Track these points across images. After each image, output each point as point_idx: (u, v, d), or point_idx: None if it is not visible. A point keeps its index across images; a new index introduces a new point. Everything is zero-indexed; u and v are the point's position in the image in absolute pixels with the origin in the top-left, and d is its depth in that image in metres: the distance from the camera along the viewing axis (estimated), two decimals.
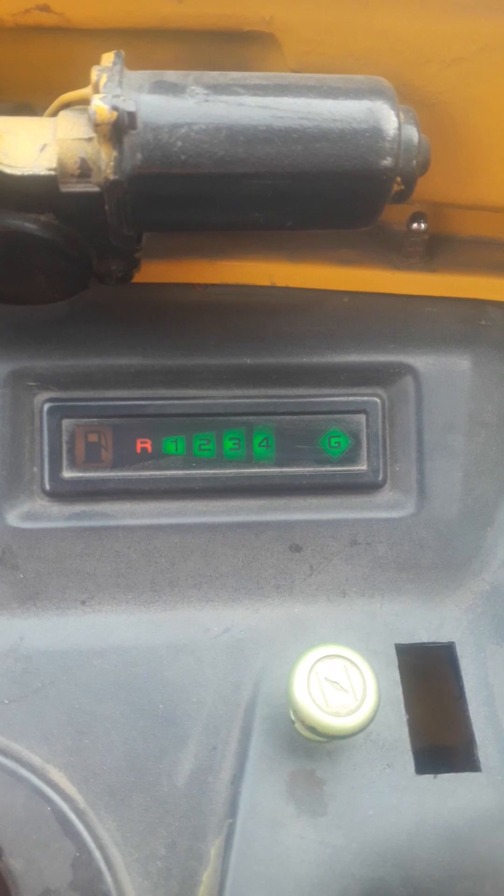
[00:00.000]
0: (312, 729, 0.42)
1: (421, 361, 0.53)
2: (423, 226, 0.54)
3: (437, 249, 0.56)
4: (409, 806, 0.45)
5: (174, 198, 0.40)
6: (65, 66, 0.42)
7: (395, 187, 0.42)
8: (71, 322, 0.52)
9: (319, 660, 0.44)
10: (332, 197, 0.41)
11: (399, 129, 0.40)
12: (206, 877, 0.43)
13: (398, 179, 0.41)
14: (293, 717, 0.45)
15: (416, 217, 0.54)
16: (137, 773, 0.45)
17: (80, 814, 0.43)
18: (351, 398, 0.53)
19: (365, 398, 0.53)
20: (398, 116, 0.40)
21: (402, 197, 0.43)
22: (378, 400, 0.53)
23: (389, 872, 0.43)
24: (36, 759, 0.45)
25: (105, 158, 0.38)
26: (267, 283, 0.55)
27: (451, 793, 0.45)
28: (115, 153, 0.38)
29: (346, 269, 0.55)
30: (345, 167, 0.40)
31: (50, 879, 0.42)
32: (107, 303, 0.53)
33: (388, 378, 0.53)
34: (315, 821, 0.44)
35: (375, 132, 0.39)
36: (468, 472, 0.52)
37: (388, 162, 0.40)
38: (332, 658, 0.44)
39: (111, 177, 0.38)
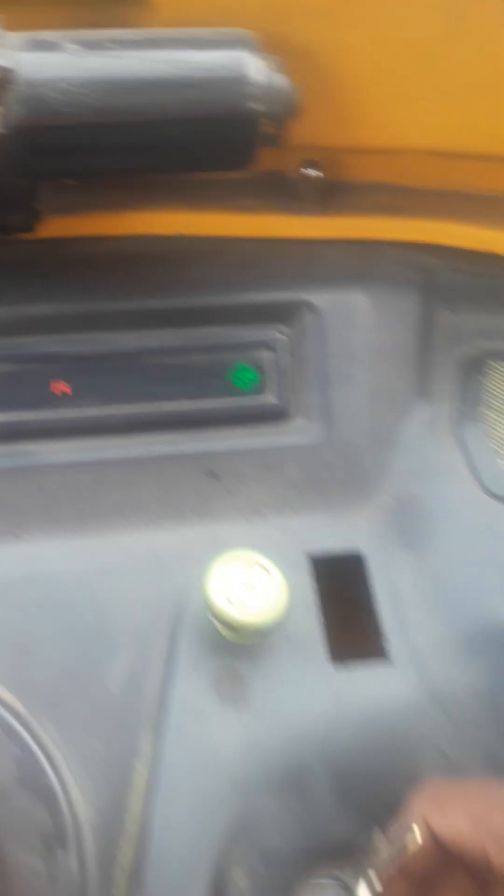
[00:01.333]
0: (229, 626, 0.47)
1: (321, 298, 0.57)
2: (314, 172, 0.59)
3: (332, 195, 0.61)
4: (325, 694, 0.49)
5: (59, 147, 0.44)
6: None
7: (265, 130, 0.46)
8: None
9: (231, 564, 0.48)
10: (207, 141, 0.45)
11: (262, 74, 0.44)
12: (141, 765, 0.47)
13: (266, 122, 0.45)
14: (215, 622, 0.50)
15: (308, 163, 0.59)
16: (74, 682, 0.49)
17: (21, 720, 0.47)
18: (257, 335, 0.57)
19: (270, 334, 0.57)
20: (260, 63, 0.44)
21: (275, 140, 0.47)
22: (283, 336, 0.57)
23: (307, 752, 0.48)
24: None
25: None
26: (172, 232, 0.59)
27: (362, 680, 0.50)
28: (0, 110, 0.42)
29: (247, 217, 0.59)
30: (214, 112, 0.44)
31: None
32: (17, 259, 0.56)
33: (291, 315, 0.57)
34: (238, 711, 0.49)
35: (239, 78, 0.43)
36: (369, 398, 0.57)
37: (253, 105, 0.44)
38: (242, 562, 0.48)
39: None
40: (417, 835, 0.39)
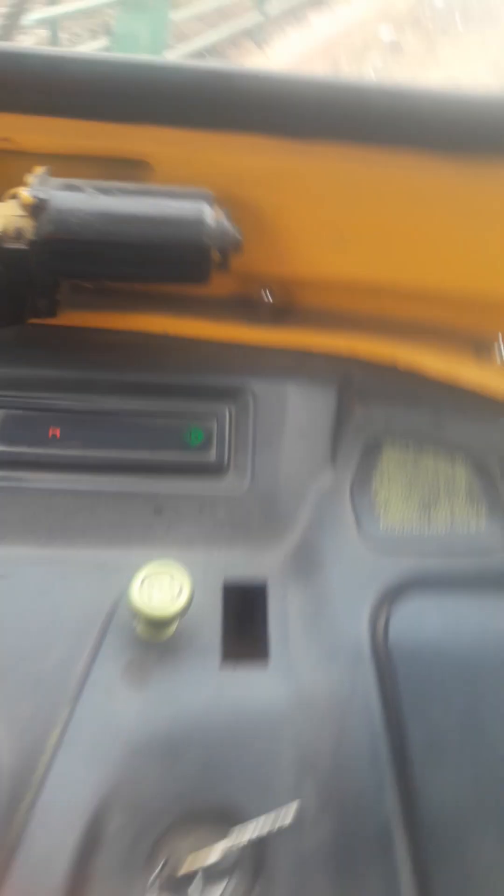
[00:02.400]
0: (140, 617, 0.60)
1: (260, 387, 0.74)
2: (269, 297, 0.78)
3: (281, 315, 0.79)
4: (211, 686, 0.60)
5: (73, 255, 0.63)
6: (15, 174, 0.67)
7: (215, 257, 0.65)
8: (9, 345, 0.75)
9: (152, 572, 0.61)
10: (174, 261, 0.65)
11: (214, 220, 0.63)
12: (55, 731, 0.58)
13: (215, 252, 0.64)
14: (134, 621, 0.62)
15: (264, 290, 0.78)
16: (17, 659, 0.61)
17: None
18: (208, 407, 0.73)
19: (218, 408, 0.74)
20: (214, 213, 0.64)
21: (223, 265, 0.66)
22: (227, 410, 0.73)
23: (188, 729, 0.58)
24: None
25: (29, 228, 0.62)
26: (161, 331, 0.78)
27: (244, 678, 0.61)
28: (34, 224, 0.62)
29: (216, 325, 0.78)
30: (180, 241, 0.63)
31: None
32: (38, 337, 0.76)
33: (235, 395, 0.74)
34: (139, 693, 0.60)
35: (198, 220, 0.63)
36: (288, 462, 0.72)
37: (206, 240, 0.63)
38: (160, 570, 0.62)
39: (32, 238, 0.62)
40: None
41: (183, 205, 0.63)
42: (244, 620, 0.66)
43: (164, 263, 0.65)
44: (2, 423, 0.72)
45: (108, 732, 0.58)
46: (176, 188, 0.65)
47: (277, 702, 0.60)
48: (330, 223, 0.70)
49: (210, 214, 0.63)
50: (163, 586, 0.61)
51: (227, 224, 0.64)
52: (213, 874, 0.53)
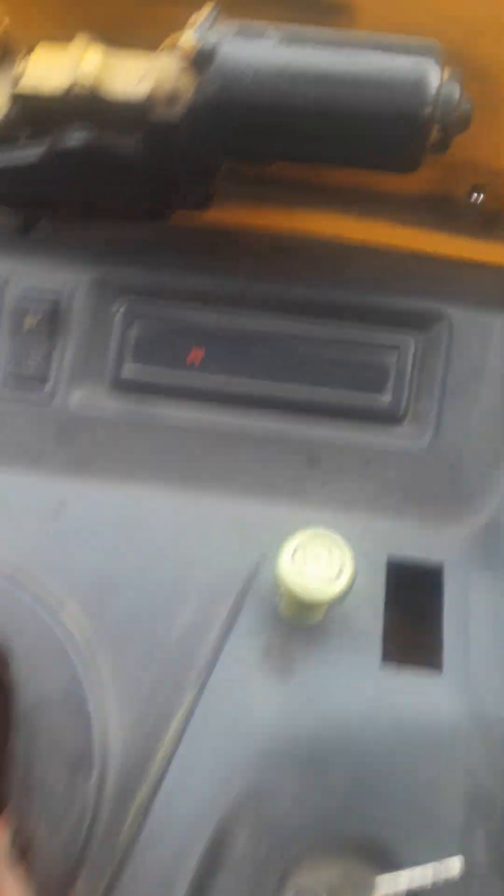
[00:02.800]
0: (290, 593, 0.48)
1: (457, 313, 0.58)
2: (480, 197, 0.60)
3: (494, 223, 0.61)
4: (368, 689, 0.49)
5: (242, 124, 0.48)
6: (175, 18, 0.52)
7: (435, 136, 0.48)
8: (152, 245, 0.61)
9: (308, 538, 0.49)
10: (378, 138, 0.48)
11: (440, 84, 0.46)
12: (177, 719, 0.49)
13: (437, 128, 0.47)
14: (278, 597, 0.51)
15: (475, 188, 0.60)
16: (140, 623, 0.52)
17: (82, 647, 0.51)
18: (387, 338, 0.58)
19: (399, 340, 0.58)
20: (441, 74, 0.46)
21: (442, 147, 0.49)
22: (411, 340, 0.58)
23: (337, 739, 0.48)
24: (59, 592, 0.54)
25: (189, 86, 0.47)
26: (334, 235, 0.63)
27: (410, 685, 0.49)
28: (197, 81, 0.47)
29: (406, 230, 0.62)
30: (389, 111, 0.46)
31: (45, 692, 0.50)
32: (187, 235, 0.62)
33: (424, 323, 0.58)
34: (280, 685, 0.49)
35: (418, 83, 0.46)
36: (485, 417, 0.56)
37: (427, 110, 0.46)
38: (319, 537, 0.49)
39: (191, 102, 0.47)
40: None
41: (399, 61, 0.46)
42: (412, 611, 0.54)
43: (363, 142, 0.48)
44: (136, 340, 0.60)
45: (242, 727, 0.48)
46: (389, 38, 0.47)
47: (450, 721, 0.48)
48: None
49: (436, 75, 0.46)
50: (319, 561, 0.49)
51: (456, 90, 0.47)
52: None
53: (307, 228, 0.63)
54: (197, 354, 0.60)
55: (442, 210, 0.62)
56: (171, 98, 0.48)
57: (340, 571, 0.48)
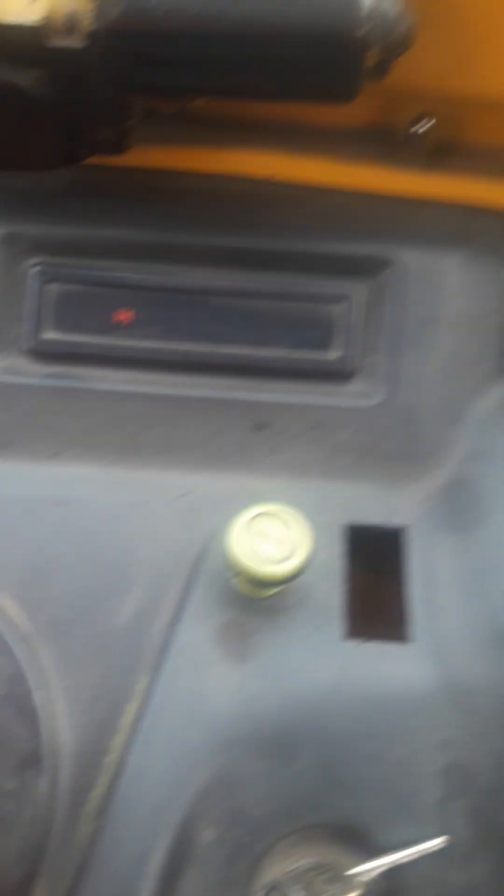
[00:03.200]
0: (243, 575, 0.45)
1: (407, 256, 0.53)
2: (424, 127, 0.55)
3: (440, 154, 0.57)
4: (332, 665, 0.47)
5: (152, 54, 0.42)
6: None
7: (372, 59, 0.43)
8: (67, 194, 0.55)
9: (258, 515, 0.46)
10: (307, 63, 0.43)
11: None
12: (131, 707, 0.46)
13: (374, 50, 0.42)
14: (231, 572, 0.48)
15: (419, 117, 0.55)
16: (82, 610, 0.49)
17: (22, 638, 0.47)
18: (331, 286, 0.54)
19: (345, 287, 0.54)
20: None
21: (380, 71, 0.44)
22: (358, 291, 0.54)
23: (303, 720, 0.45)
24: None
25: (87, 12, 0.41)
26: (266, 175, 0.57)
27: (375, 659, 0.47)
28: (95, 6, 0.41)
29: (345, 166, 0.57)
30: (317, 32, 0.41)
31: None
32: (103, 181, 0.56)
33: (371, 270, 0.54)
34: (239, 666, 0.47)
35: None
36: (441, 367, 0.53)
37: (362, 29, 0.41)
38: (270, 514, 0.46)
39: (90, 29, 0.41)
40: None
41: None
42: (375, 579, 0.51)
43: (291, 68, 0.43)
44: (56, 302, 0.54)
45: (200, 714, 0.46)
46: None
47: (421, 693, 0.46)
48: None
49: None
50: (272, 538, 0.45)
51: (394, 4, 0.41)
52: None
53: (237, 170, 0.58)
54: (125, 315, 0.55)
55: (385, 143, 0.57)
56: (69, 23, 0.42)
57: (296, 547, 0.45)
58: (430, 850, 0.42)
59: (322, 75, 0.43)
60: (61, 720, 0.46)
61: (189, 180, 0.57)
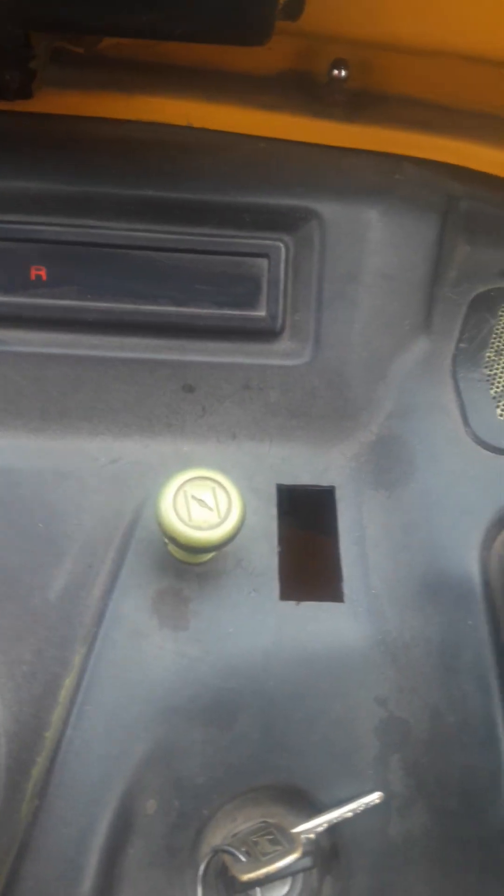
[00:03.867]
0: (175, 541, 0.44)
1: (329, 208, 0.52)
2: (343, 73, 0.53)
3: (360, 104, 0.55)
4: (270, 627, 0.46)
5: None
6: None
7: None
8: None
9: (189, 480, 0.45)
10: (219, 1, 0.40)
11: None
12: (68, 681, 0.45)
13: None
14: (164, 539, 0.46)
15: (337, 63, 0.53)
16: (11, 584, 0.47)
17: None
18: (254, 241, 0.52)
19: (268, 242, 0.52)
20: None
21: (294, 11, 0.42)
22: (282, 245, 0.52)
23: (242, 684, 0.45)
24: None
25: None
26: (183, 122, 0.55)
27: (311, 619, 0.47)
28: None
29: (265, 114, 0.55)
30: None
31: None
32: (13, 130, 0.52)
33: (294, 223, 0.52)
34: (176, 634, 0.46)
35: None
36: (366, 324, 0.52)
37: None
38: (201, 480, 0.45)
39: None
40: None
41: None
42: (308, 539, 0.51)
43: (201, 6, 0.40)
44: None
45: (138, 684, 0.45)
46: None
47: (356, 649, 0.46)
48: None
49: None
50: (205, 500, 0.44)
51: None
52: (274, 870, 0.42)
53: (153, 116, 0.55)
54: (38, 273, 0.52)
55: (305, 90, 0.55)
56: None
57: (228, 511, 0.44)
58: (370, 805, 0.42)
59: (234, 14, 0.41)
60: None
61: (102, 127, 0.54)
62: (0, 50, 0.44)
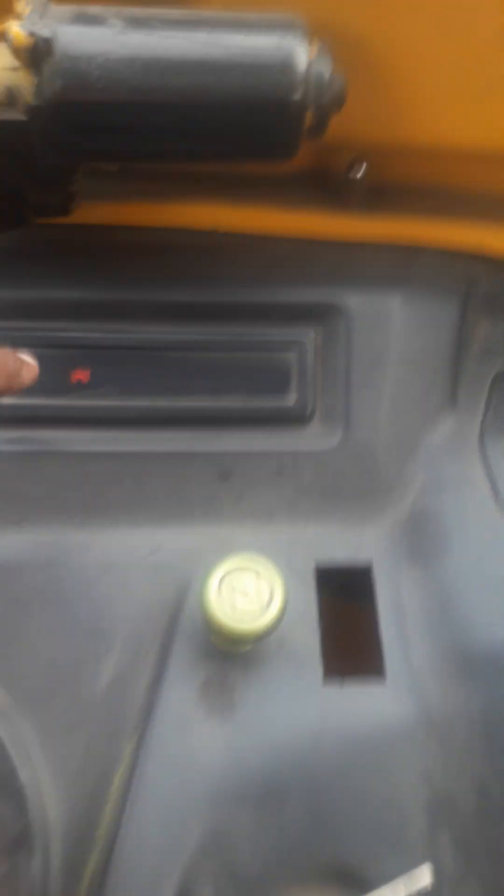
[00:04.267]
0: (220, 634, 0.45)
1: (353, 301, 0.55)
2: (360, 172, 0.56)
3: (377, 197, 0.58)
4: (314, 711, 0.47)
5: (94, 125, 0.42)
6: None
7: (308, 121, 0.44)
8: (11, 256, 0.55)
9: (231, 570, 0.46)
10: (247, 128, 0.43)
11: (309, 63, 0.42)
12: (118, 775, 0.46)
13: (310, 114, 0.43)
14: (209, 629, 0.48)
15: (354, 163, 0.56)
16: (59, 679, 0.48)
17: (0, 713, 0.46)
18: (285, 334, 0.55)
19: (298, 335, 0.55)
20: (309, 51, 0.42)
21: (317, 132, 0.45)
22: (310, 337, 0.55)
23: (288, 769, 0.46)
24: None
25: (26, 85, 0.41)
26: (210, 227, 0.58)
27: (354, 699, 0.48)
28: (35, 80, 0.41)
29: (287, 214, 0.58)
30: (256, 99, 0.42)
31: None
32: (50, 241, 0.56)
33: (321, 317, 0.55)
34: (223, 723, 0.47)
35: (285, 65, 0.41)
36: (393, 405, 0.55)
37: (297, 95, 0.42)
38: (242, 569, 0.46)
39: (32, 103, 0.41)
40: None
41: (261, 40, 0.41)
42: (347, 618, 0.52)
43: (232, 134, 0.44)
44: None
45: (189, 774, 0.46)
46: (247, 15, 0.42)
47: (400, 728, 0.47)
48: (474, 62, 0.48)
49: (304, 52, 0.41)
50: (247, 589, 0.46)
51: (327, 66, 0.42)
52: None
53: (180, 223, 0.58)
54: (82, 375, 0.55)
55: (324, 188, 0.58)
56: (10, 98, 0.42)
57: (271, 598, 0.45)
58: (421, 884, 0.43)
59: (262, 139, 0.44)
60: (48, 796, 0.45)
61: (135, 235, 0.58)
62: (41, 177, 0.48)
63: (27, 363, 0.46)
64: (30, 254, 0.55)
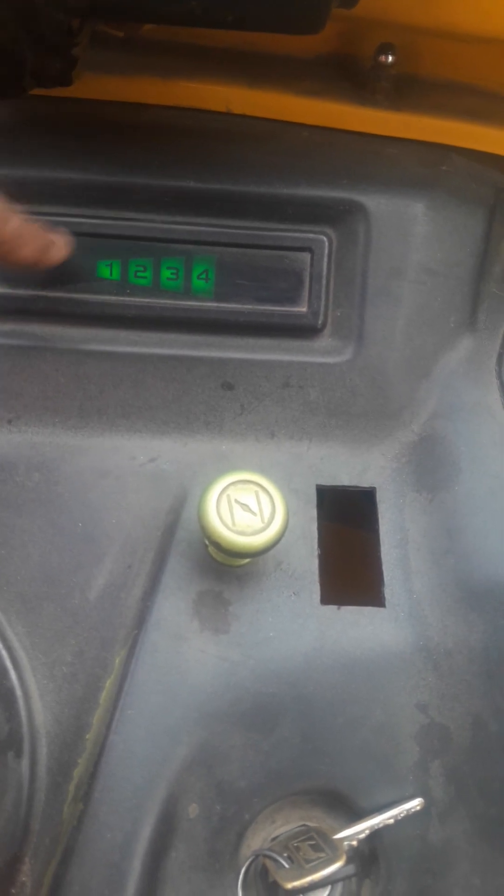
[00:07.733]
0: (218, 545, 0.43)
1: (373, 201, 0.50)
2: (390, 58, 0.51)
3: (406, 90, 0.53)
4: (310, 632, 0.46)
5: None
6: None
7: None
8: (9, 132, 0.50)
9: (232, 484, 0.44)
10: None
11: None
12: (109, 683, 0.45)
13: None
14: (206, 541, 0.46)
15: (384, 48, 0.51)
16: (51, 584, 0.46)
17: None
18: (297, 234, 0.51)
19: (311, 235, 0.51)
20: None
21: (348, 1, 0.40)
22: (325, 238, 0.51)
23: (282, 689, 0.45)
24: None
25: None
26: (223, 108, 0.53)
27: (352, 624, 0.46)
28: None
29: (308, 101, 0.53)
30: None
31: None
32: (50, 115, 0.51)
33: (338, 216, 0.51)
34: (217, 637, 0.45)
35: None
36: (410, 321, 0.51)
37: None
38: (244, 483, 0.44)
39: None
40: None
41: None
42: (349, 541, 0.50)
43: None
44: None
45: (180, 688, 0.45)
46: None
47: (397, 655, 0.46)
48: None
49: None
50: (249, 503, 0.44)
51: None
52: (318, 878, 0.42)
53: (191, 102, 0.53)
54: (77, 266, 0.51)
55: (349, 75, 0.53)
56: None
57: (273, 514, 0.43)
58: (411, 811, 0.42)
59: (288, 3, 0.39)
60: (38, 699, 0.44)
61: (141, 113, 0.52)
62: (42, 38, 0.42)
63: (56, 241, 0.45)
64: (25, 130, 0.50)
